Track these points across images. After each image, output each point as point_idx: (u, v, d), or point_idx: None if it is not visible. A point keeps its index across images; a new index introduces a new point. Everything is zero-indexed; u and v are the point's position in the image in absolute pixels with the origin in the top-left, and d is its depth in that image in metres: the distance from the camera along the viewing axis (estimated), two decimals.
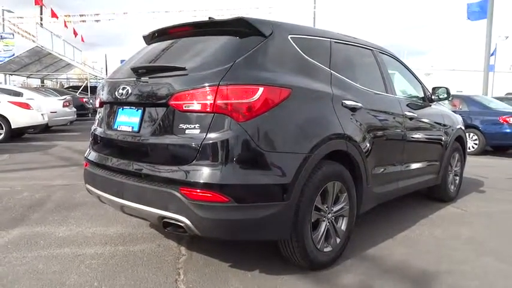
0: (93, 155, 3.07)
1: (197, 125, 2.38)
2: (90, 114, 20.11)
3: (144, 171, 2.54)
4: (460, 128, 4.99)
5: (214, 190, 2.30)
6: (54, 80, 38.22)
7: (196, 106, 2.39)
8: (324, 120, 2.76)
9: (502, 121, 9.45)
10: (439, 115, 4.57)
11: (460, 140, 5.04)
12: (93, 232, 3.58)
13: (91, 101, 20.29)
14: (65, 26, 26.56)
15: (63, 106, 12.97)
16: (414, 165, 4.03)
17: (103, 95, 3.06)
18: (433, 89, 4.43)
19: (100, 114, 3.14)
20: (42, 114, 11.05)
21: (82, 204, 4.44)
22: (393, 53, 4.14)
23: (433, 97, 4.42)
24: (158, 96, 2.57)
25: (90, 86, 23.05)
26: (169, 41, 3.03)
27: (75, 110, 14.22)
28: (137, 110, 2.72)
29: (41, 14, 28.24)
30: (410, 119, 3.88)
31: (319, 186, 2.68)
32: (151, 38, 3.28)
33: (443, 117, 4.64)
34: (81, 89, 22.19)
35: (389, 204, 4.30)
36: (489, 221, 4.23)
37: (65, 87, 31.22)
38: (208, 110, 2.35)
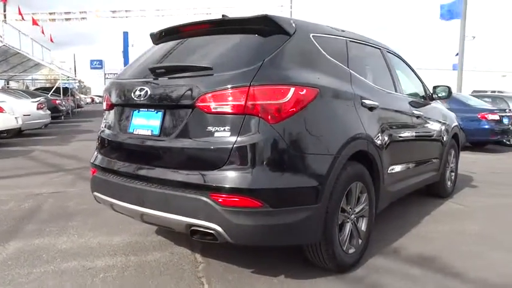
0: (103, 161, 2.90)
1: (227, 127, 2.27)
2: (63, 117, 19.39)
3: (169, 177, 2.40)
4: (456, 125, 5.09)
5: (247, 195, 2.20)
6: (21, 81, 36.69)
7: (226, 108, 2.28)
8: (348, 120, 2.71)
9: (480, 118, 9.74)
10: (439, 113, 4.63)
11: (456, 137, 5.14)
12: (97, 242, 3.40)
13: (63, 102, 19.56)
14: (35, 23, 25.45)
15: (37, 109, 12.41)
16: (421, 163, 4.06)
17: (113, 96, 2.89)
18: (434, 87, 4.47)
19: (109, 117, 2.96)
20: (16, 118, 10.54)
21: (78, 213, 4.22)
22: (396, 51, 4.15)
23: (433, 96, 4.47)
24: (182, 97, 2.43)
25: (62, 87, 22.19)
26: (185, 40, 2.89)
27: (49, 112, 13.65)
28: (157, 113, 2.57)
29: (5, 11, 27.04)
30: (417, 117, 3.91)
31: (344, 187, 2.63)
32: (161, 36, 3.12)
33: (442, 115, 4.72)
34: (52, 90, 21.30)
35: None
36: (490, 216, 4.32)
37: (32, 88, 29.98)
38: (239, 111, 2.25)
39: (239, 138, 2.23)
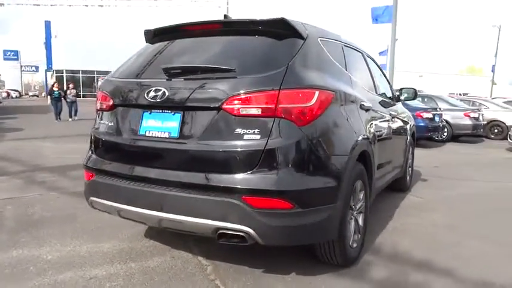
0: (105, 164, 2.74)
1: (257, 130, 2.28)
2: None
3: (195, 181, 2.35)
4: (413, 124, 5.53)
5: (280, 197, 2.25)
6: None
7: (255, 111, 2.29)
8: (355, 122, 2.86)
9: (417, 116, 10.59)
10: (404, 113, 5.01)
11: (413, 135, 5.58)
12: (87, 251, 3.20)
13: None
14: None
15: None
16: (394, 160, 4.37)
17: (116, 97, 2.74)
18: (400, 89, 4.82)
19: (110, 118, 2.81)
20: None
21: (47, 220, 3.92)
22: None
23: (400, 97, 4.81)
24: (206, 99, 2.39)
25: None
26: (196, 39, 2.83)
27: None
28: (174, 114, 2.50)
29: None
30: (392, 117, 4.19)
31: (352, 185, 2.78)
32: (163, 34, 3.02)
33: (406, 115, 5.11)
34: None
35: None
36: (450, 207, 4.77)
37: None
38: (268, 114, 2.28)
39: (270, 141, 2.26)
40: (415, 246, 3.44)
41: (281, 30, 2.60)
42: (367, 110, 3.19)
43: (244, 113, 2.30)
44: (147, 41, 3.13)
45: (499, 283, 2.79)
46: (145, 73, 2.75)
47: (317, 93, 2.40)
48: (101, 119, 2.88)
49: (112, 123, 2.78)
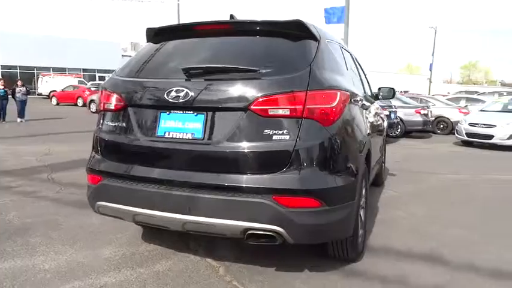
0: (115, 167, 2.63)
1: (285, 130, 2.30)
2: None
3: (223, 182, 2.32)
4: (386, 121, 5.81)
5: (309, 195, 2.29)
6: None
7: (284, 111, 2.31)
8: (361, 121, 2.96)
9: None
10: (381, 111, 5.24)
11: (386, 132, 5.86)
12: (86, 257, 3.06)
13: None
14: None
15: None
16: (378, 156, 4.56)
17: (129, 97, 2.64)
18: (379, 88, 5.03)
19: (119, 119, 2.69)
20: None
21: (30, 227, 3.68)
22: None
23: (379, 96, 5.02)
24: (232, 100, 2.37)
25: None
26: (212, 39, 2.79)
27: None
28: (196, 115, 2.45)
29: None
30: (376, 114, 4.38)
31: (362, 182, 2.88)
32: (172, 33, 2.94)
33: (383, 112, 5.34)
34: None
35: None
36: (425, 199, 5.08)
37: None
38: (297, 115, 2.31)
39: (299, 141, 2.29)
40: (405, 237, 3.64)
41: (297, 31, 2.63)
42: (366, 108, 3.32)
43: (272, 113, 2.31)
44: (149, 40, 3.02)
45: (487, 267, 3.03)
46: (161, 73, 2.66)
47: (339, 94, 2.47)
48: (108, 120, 2.75)
49: (123, 124, 2.66)
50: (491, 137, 10.47)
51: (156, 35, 2.98)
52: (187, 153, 2.44)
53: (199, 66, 2.52)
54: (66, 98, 26.28)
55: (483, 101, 16.05)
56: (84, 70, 41.26)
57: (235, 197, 2.30)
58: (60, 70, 38.30)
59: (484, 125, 10.68)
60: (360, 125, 2.88)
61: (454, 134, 12.14)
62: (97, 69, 41.77)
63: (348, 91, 2.68)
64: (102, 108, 2.82)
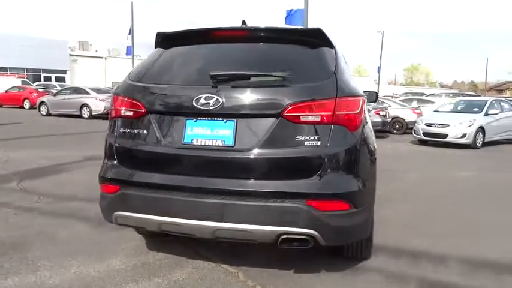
0: (136, 175, 2.56)
1: (317, 136, 2.36)
2: None
3: (256, 188, 2.34)
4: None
5: (341, 199, 2.37)
6: None
7: (315, 118, 2.37)
8: (370, 124, 3.08)
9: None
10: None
11: None
12: (96, 270, 2.93)
13: None
14: None
15: None
16: None
17: (151, 103, 2.57)
18: (364, 91, 5.22)
19: (137, 126, 2.62)
20: None
21: (22, 241, 3.45)
22: None
23: None
24: (264, 107, 2.40)
25: None
26: (227, 45, 2.78)
27: None
28: (226, 122, 2.44)
29: None
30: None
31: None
32: (184, 38, 2.89)
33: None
34: None
35: None
36: (409, 197, 5.35)
37: None
38: (327, 121, 2.37)
39: (329, 146, 2.36)
40: (403, 233, 3.83)
41: (315, 39, 2.70)
42: (368, 111, 3.46)
43: (304, 120, 2.37)
44: (159, 45, 2.94)
45: (478, 255, 3.28)
46: (184, 79, 2.62)
47: (361, 100, 2.57)
48: (126, 127, 2.66)
49: (145, 132, 2.59)
50: (446, 136, 11.19)
51: (168, 39, 2.92)
52: (217, 160, 2.43)
53: (228, 73, 2.51)
54: (11, 100, 24.63)
55: (433, 102, 17.09)
56: (28, 70, 38.80)
57: (269, 203, 2.32)
58: (1, 70, 35.78)
59: (439, 124, 11.39)
60: (371, 128, 3.00)
61: (408, 133, 12.84)
62: (42, 69, 39.46)
63: (363, 96, 2.79)
64: (116, 115, 2.72)
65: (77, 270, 2.93)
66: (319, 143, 2.37)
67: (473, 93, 26.90)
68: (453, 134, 11.11)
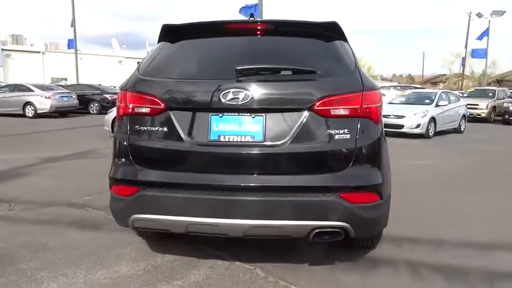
0: (161, 176, 2.45)
1: (346, 129, 2.39)
2: None
3: (290, 184, 2.33)
4: None
5: (371, 191, 2.42)
6: None
7: (344, 111, 2.39)
8: None
9: None
10: None
11: None
12: (107, 277, 2.79)
13: None
14: None
15: None
16: None
17: (171, 99, 2.46)
18: None
19: (158, 124, 2.50)
20: None
21: (11, 253, 3.19)
22: None
23: None
24: (294, 101, 2.39)
25: None
26: (242, 38, 2.72)
27: None
28: (254, 117, 2.39)
29: None
30: None
31: None
32: (195, 31, 2.78)
33: None
34: None
35: None
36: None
37: None
38: (355, 114, 2.41)
39: (358, 139, 2.41)
40: (394, 223, 3.99)
41: (331, 32, 2.72)
42: None
43: (334, 113, 2.39)
44: (165, 38, 2.81)
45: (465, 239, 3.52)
46: (205, 73, 2.54)
47: (380, 93, 2.63)
48: (143, 125, 2.52)
49: (165, 129, 2.48)
50: (402, 126, 11.76)
51: (176, 32, 2.80)
52: (248, 156, 2.39)
53: (255, 67, 2.46)
54: None
55: (383, 95, 17.86)
56: None
57: (303, 198, 2.33)
58: None
59: (395, 116, 11.94)
60: None
61: None
62: None
63: (380, 89, 2.86)
64: (128, 112, 2.57)
65: (85, 279, 2.76)
66: (348, 136, 2.40)
67: (419, 86, 28.45)
68: (408, 124, 11.70)
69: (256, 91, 2.39)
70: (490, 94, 19.79)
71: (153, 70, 2.65)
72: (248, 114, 2.42)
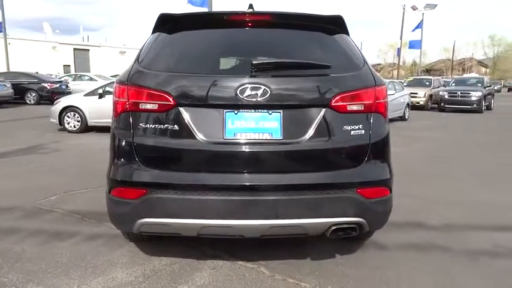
0: (172, 176, 2.30)
1: (361, 125, 2.39)
2: None
3: (310, 181, 2.29)
4: None
5: (384, 185, 2.45)
6: None
7: (359, 107, 2.39)
8: None
9: None
10: None
11: None
12: (105, 285, 2.58)
13: None
14: None
15: None
16: None
17: (182, 95, 2.30)
18: None
19: (167, 121, 2.33)
20: None
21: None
22: None
23: None
24: (311, 96, 2.33)
25: None
26: (245, 30, 2.59)
27: None
28: (271, 114, 2.30)
29: None
30: None
31: None
32: (195, 22, 2.62)
33: None
34: None
35: None
36: None
37: None
38: (369, 110, 2.42)
39: (372, 134, 2.42)
40: None
41: (336, 27, 2.68)
42: None
43: (350, 109, 2.38)
44: (162, 29, 2.61)
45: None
46: (216, 68, 2.39)
47: (385, 88, 2.65)
48: (149, 122, 2.34)
49: (175, 127, 2.31)
50: None
51: (175, 22, 2.62)
52: (267, 154, 2.30)
53: (272, 61, 2.37)
54: None
55: None
56: None
57: (322, 195, 2.30)
58: None
59: None
60: None
61: None
62: None
63: None
64: (132, 109, 2.36)
65: (89, 285, 2.54)
66: (363, 131, 2.41)
67: None
68: None
69: (274, 86, 2.30)
70: (427, 83, 21.09)
71: (156, 63, 2.45)
72: (265, 110, 2.33)
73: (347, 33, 2.74)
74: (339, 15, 2.67)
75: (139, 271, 2.78)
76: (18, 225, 3.63)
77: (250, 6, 2.86)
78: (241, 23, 2.62)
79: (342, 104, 2.37)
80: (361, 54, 2.64)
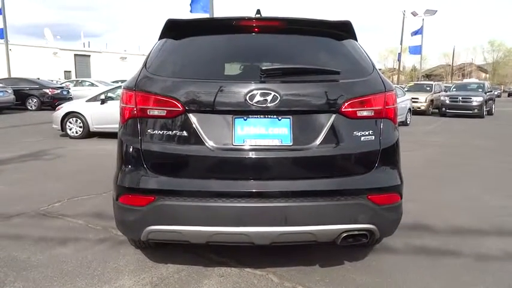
0: (181, 183, 2.27)
1: (371, 131, 2.37)
2: None
3: (320, 188, 2.26)
4: None
5: (396, 191, 2.43)
6: None
7: (369, 112, 2.37)
8: None
9: None
10: None
11: None
12: None
13: None
14: None
15: None
16: None
17: (190, 101, 2.29)
18: None
19: (175, 127, 2.31)
20: None
21: (4, 272, 2.84)
22: None
23: None
24: (321, 102, 2.32)
25: None
26: (255, 36, 2.58)
27: None
28: (281, 120, 2.28)
29: None
30: None
31: None
32: (203, 28, 2.61)
33: None
34: None
35: None
36: None
37: None
38: (379, 115, 2.40)
39: (382, 140, 2.40)
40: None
41: (344, 32, 2.67)
42: None
43: (360, 115, 2.36)
44: (169, 34, 2.60)
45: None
46: (224, 74, 2.37)
47: (394, 94, 2.64)
48: (156, 128, 2.32)
49: (184, 133, 2.30)
50: None
51: (183, 28, 2.61)
52: (277, 160, 2.28)
53: (282, 67, 2.36)
54: None
55: None
56: None
57: (333, 202, 2.28)
58: None
59: None
60: None
61: None
62: None
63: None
64: (140, 115, 2.35)
65: None
66: (373, 137, 2.39)
67: None
68: None
69: (283, 92, 2.29)
70: (428, 88, 21.11)
71: (164, 69, 2.44)
72: (275, 116, 2.32)
73: (355, 38, 2.73)
74: (347, 21, 2.66)
75: (146, 279, 2.75)
76: (23, 232, 3.60)
77: (258, 11, 2.85)
78: (250, 29, 2.60)
79: (351, 109, 2.35)
80: (370, 59, 2.63)
